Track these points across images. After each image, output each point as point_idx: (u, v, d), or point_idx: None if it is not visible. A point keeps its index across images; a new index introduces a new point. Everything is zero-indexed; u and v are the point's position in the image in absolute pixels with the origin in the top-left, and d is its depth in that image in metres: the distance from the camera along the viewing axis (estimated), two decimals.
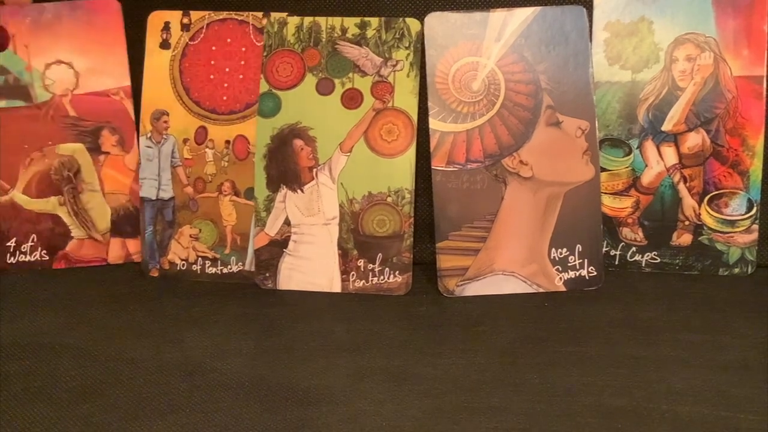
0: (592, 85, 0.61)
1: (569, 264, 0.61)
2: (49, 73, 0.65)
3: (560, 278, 0.61)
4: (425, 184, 0.63)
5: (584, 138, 0.61)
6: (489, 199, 0.61)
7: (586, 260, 0.61)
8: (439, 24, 0.61)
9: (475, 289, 0.61)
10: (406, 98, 0.62)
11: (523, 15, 0.61)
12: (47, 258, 0.66)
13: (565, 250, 0.61)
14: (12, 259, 0.66)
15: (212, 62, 0.64)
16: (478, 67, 0.61)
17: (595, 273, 0.61)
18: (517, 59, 0.61)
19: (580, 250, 0.61)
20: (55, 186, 0.66)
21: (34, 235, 0.66)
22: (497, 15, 0.61)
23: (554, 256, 0.61)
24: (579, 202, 0.61)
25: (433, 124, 0.61)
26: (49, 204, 0.66)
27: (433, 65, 0.61)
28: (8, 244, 0.66)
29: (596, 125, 0.61)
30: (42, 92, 0.65)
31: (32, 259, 0.66)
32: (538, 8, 0.61)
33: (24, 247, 0.66)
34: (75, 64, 0.65)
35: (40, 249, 0.66)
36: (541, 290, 0.61)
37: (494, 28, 0.61)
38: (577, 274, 0.61)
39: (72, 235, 0.66)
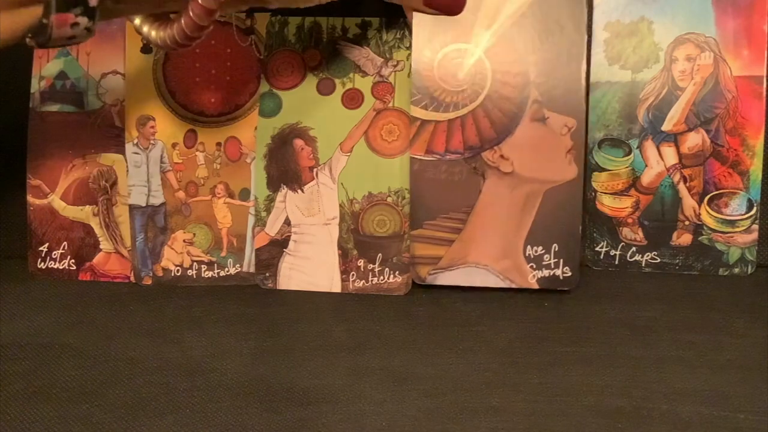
0: (584, 82, 0.60)
1: (544, 262, 0.60)
2: (104, 83, 0.64)
3: (533, 276, 0.60)
4: None
5: (569, 136, 0.60)
6: (466, 191, 0.61)
7: (561, 260, 0.60)
8: None
9: (447, 278, 0.61)
10: (406, 98, 0.61)
11: (517, 2, 0.59)
12: (74, 268, 0.65)
13: (540, 248, 0.60)
14: (42, 264, 0.65)
15: (197, 65, 0.63)
16: (465, 55, 0.60)
17: (570, 273, 0.60)
18: (507, 49, 0.60)
19: (557, 249, 0.60)
20: (91, 195, 0.65)
21: (65, 243, 0.65)
22: (490, 1, 0.59)
23: (529, 254, 0.60)
24: (559, 202, 0.60)
25: (414, 111, 0.61)
26: (84, 213, 0.65)
27: (419, 50, 0.60)
28: (41, 248, 0.65)
29: (586, 124, 0.60)
30: (94, 100, 0.65)
31: (60, 266, 0.65)
32: None
33: (55, 254, 0.65)
34: None
35: (69, 258, 0.65)
36: (513, 286, 0.60)
37: (486, 14, 0.59)
38: (551, 273, 0.60)
39: (101, 247, 0.65)
